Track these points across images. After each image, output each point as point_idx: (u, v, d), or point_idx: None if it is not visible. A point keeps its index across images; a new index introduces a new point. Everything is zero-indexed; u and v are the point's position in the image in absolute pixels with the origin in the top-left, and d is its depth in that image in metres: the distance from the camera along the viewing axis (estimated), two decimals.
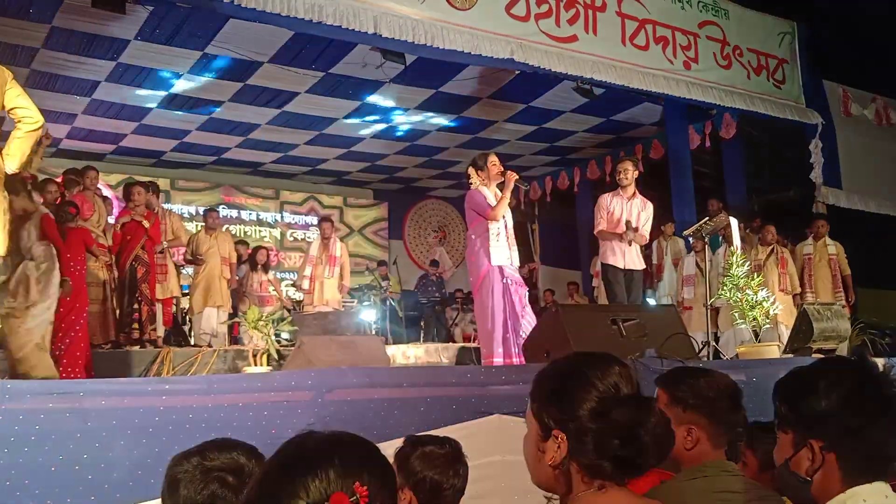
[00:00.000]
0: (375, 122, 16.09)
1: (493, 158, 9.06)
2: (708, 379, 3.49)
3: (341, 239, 16.27)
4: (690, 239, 12.45)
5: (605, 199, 10.15)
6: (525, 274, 14.83)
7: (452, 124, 16.20)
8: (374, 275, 17.68)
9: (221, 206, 19.69)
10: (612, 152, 17.57)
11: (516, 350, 8.31)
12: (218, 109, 15.09)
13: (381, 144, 17.66)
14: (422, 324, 17.75)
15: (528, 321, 8.55)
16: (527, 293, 8.85)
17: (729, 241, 12.10)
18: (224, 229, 15.15)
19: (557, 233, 19.62)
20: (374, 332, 14.36)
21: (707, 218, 10.44)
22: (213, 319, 13.48)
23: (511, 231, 8.92)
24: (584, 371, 2.49)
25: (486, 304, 8.53)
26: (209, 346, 12.12)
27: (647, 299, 13.27)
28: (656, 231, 13.08)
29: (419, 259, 22.74)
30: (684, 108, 14.25)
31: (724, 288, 9.53)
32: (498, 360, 8.30)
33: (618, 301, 9.58)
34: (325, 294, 14.08)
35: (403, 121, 16.11)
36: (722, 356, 9.43)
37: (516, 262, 8.87)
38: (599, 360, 2.54)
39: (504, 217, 8.84)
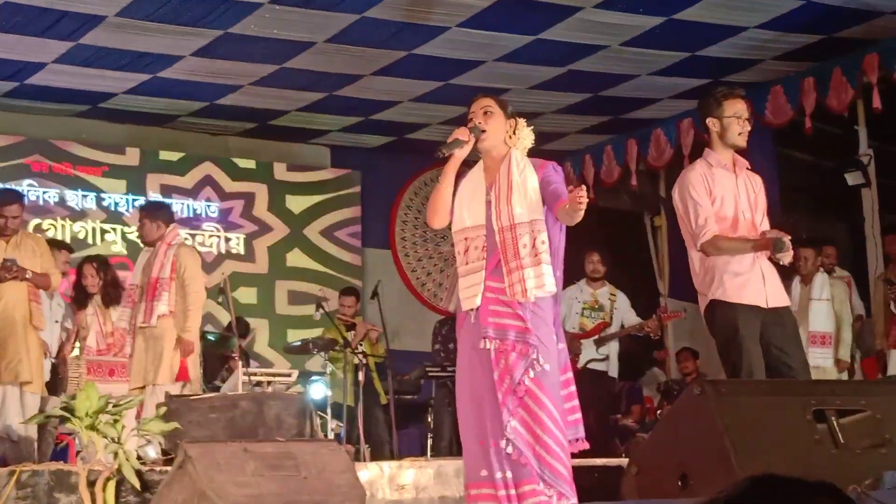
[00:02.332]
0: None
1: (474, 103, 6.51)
2: None
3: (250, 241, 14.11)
4: None
5: (700, 175, 7.44)
6: (650, 328, 11.41)
7: None
8: (332, 317, 12.44)
9: (26, 184, 13.59)
10: (823, 68, 12.62)
11: (504, 468, 6.00)
12: None
13: (352, 55, 12.20)
14: (429, 419, 12.67)
15: (533, 404, 6.02)
16: (532, 356, 6.00)
17: None
18: (30, 230, 12.33)
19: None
20: (333, 436, 11.20)
21: None
22: (7, 410, 10.23)
23: (500, 238, 6.23)
24: None
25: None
26: None
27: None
28: None
29: (428, 286, 16.38)
30: None
31: None
32: (478, 493, 6.09)
33: (752, 372, 7.15)
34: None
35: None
36: None
37: (517, 291, 6.09)
38: (801, 497, 2.08)
39: (464, 212, 6.39)
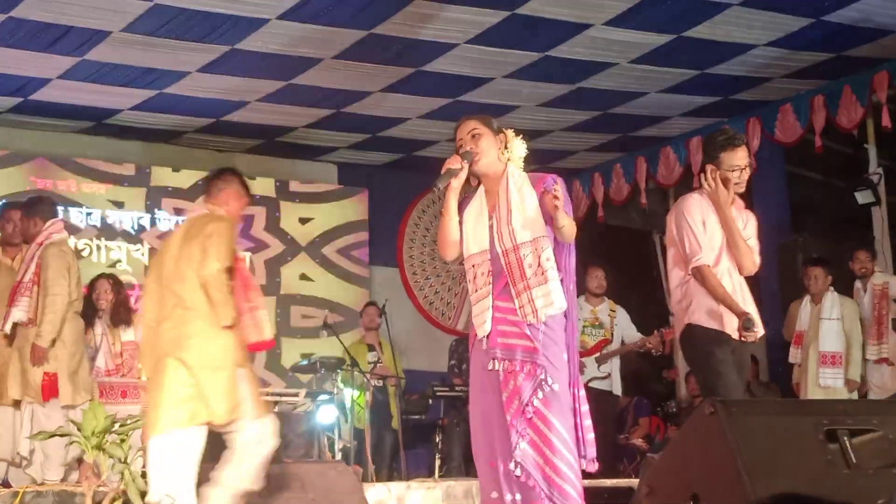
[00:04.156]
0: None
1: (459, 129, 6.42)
2: None
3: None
4: None
5: (698, 203, 7.56)
6: (651, 344, 11.38)
7: None
8: (339, 337, 12.38)
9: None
10: (833, 86, 12.52)
11: (513, 490, 6.00)
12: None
13: (360, 72, 12.06)
14: (438, 440, 12.61)
15: (542, 425, 5.99)
16: (540, 376, 6.05)
17: None
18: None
19: None
20: (339, 457, 11.10)
21: None
22: (9, 428, 9.57)
23: (504, 261, 6.20)
24: None
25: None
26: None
27: None
28: None
29: (436, 305, 16.08)
30: None
31: None
32: None
33: (730, 396, 7.18)
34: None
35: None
36: None
37: (527, 312, 6.05)
38: None
39: (469, 239, 6.36)
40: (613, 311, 11.05)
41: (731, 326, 7.36)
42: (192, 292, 6.48)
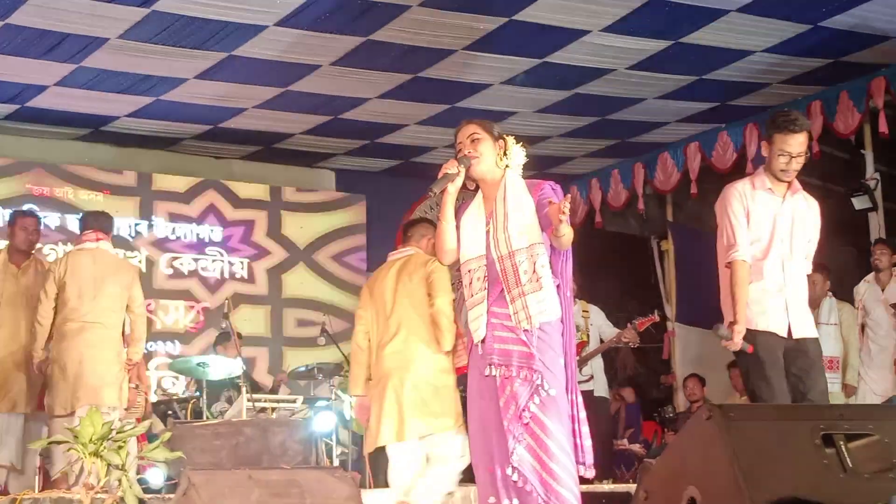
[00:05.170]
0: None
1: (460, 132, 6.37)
2: None
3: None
4: None
5: (740, 193, 7.36)
6: (627, 338, 11.16)
7: None
8: (337, 343, 12.24)
9: (26, 208, 12.35)
10: (830, 92, 12.59)
11: (510, 496, 5.97)
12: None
13: (357, 78, 12.03)
14: None
15: (538, 430, 5.94)
16: (536, 381, 5.98)
17: None
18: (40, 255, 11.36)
19: (710, 260, 13.14)
20: (337, 463, 11.19)
21: None
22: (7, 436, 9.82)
23: (500, 267, 6.13)
24: None
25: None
26: None
27: None
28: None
29: None
30: None
31: None
32: None
33: (774, 397, 7.10)
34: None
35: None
36: None
37: (521, 319, 6.01)
38: None
39: (466, 244, 6.36)
40: (586, 311, 10.95)
41: (777, 325, 7.22)
42: (417, 320, 7.48)
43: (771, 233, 7.29)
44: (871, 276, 11.40)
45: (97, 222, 9.53)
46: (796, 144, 7.14)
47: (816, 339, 7.47)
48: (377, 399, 7.78)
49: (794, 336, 7.25)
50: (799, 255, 7.39)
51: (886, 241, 11.08)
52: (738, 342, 7.11)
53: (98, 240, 9.29)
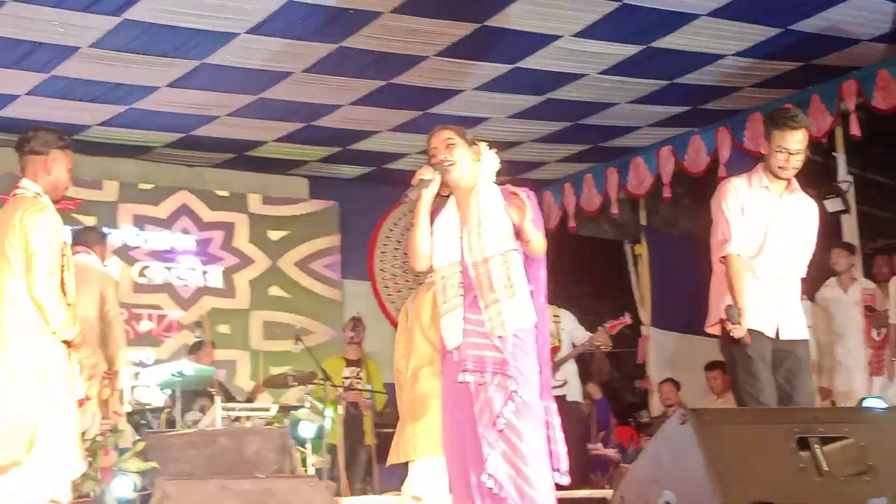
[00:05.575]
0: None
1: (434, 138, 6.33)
2: None
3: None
4: None
5: (735, 189, 7.31)
6: (598, 342, 11.22)
7: None
8: (312, 352, 12.21)
9: None
10: (802, 95, 12.57)
11: (485, 503, 5.90)
12: None
13: (330, 85, 12.02)
14: None
15: (513, 437, 5.89)
16: (511, 388, 5.91)
17: None
18: None
19: (684, 264, 13.49)
20: (312, 472, 10.52)
21: None
22: None
23: (474, 273, 6.10)
24: None
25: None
26: None
27: (870, 399, 10.43)
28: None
29: None
30: None
31: None
32: None
33: (761, 395, 7.07)
34: None
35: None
36: None
37: (495, 325, 5.95)
38: None
39: (439, 250, 6.25)
40: (557, 316, 10.84)
41: (766, 325, 7.14)
42: None
43: (765, 231, 7.22)
44: (832, 280, 11.36)
45: (78, 237, 9.58)
46: (795, 141, 7.08)
47: (806, 342, 7.42)
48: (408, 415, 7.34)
49: (783, 337, 7.20)
50: (793, 254, 7.32)
51: (843, 244, 11.14)
52: (744, 326, 6.99)
53: (75, 253, 9.23)
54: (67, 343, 6.91)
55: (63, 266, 6.57)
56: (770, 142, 7.09)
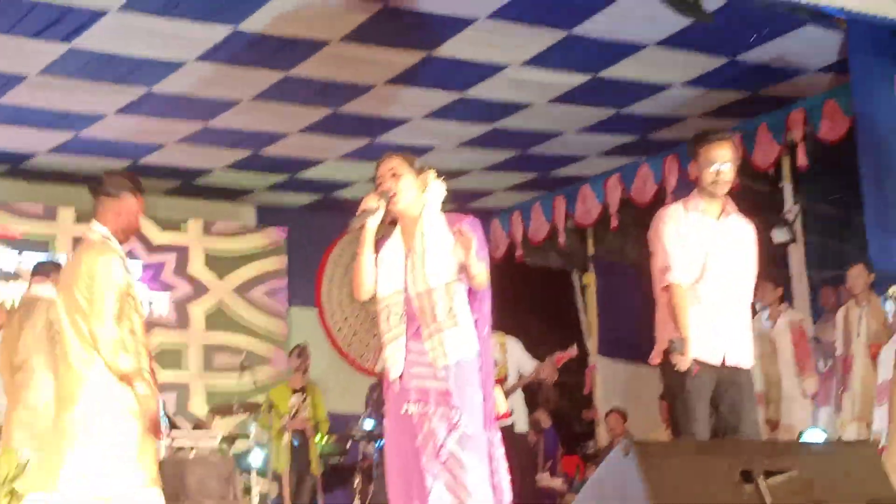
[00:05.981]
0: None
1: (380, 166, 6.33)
2: None
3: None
4: None
5: (671, 216, 7.11)
6: (544, 374, 11.10)
7: None
8: (256, 379, 12.27)
9: None
10: (749, 125, 12.53)
11: None
12: None
13: (277, 113, 11.93)
14: (357, 482, 12.12)
15: (456, 468, 5.93)
16: (454, 419, 5.96)
17: None
18: None
19: (632, 293, 13.21)
20: (257, 501, 11.07)
21: None
22: None
23: (417, 304, 6.10)
24: None
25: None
26: None
27: (811, 430, 10.90)
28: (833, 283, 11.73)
29: (354, 346, 15.19)
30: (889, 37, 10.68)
31: None
32: None
33: (694, 431, 6.87)
34: None
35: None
36: None
37: (438, 355, 6.00)
38: None
39: (383, 280, 6.26)
40: (503, 343, 10.68)
41: (710, 353, 6.99)
42: None
43: (704, 255, 7.12)
44: (763, 313, 11.33)
45: (35, 269, 9.59)
46: (721, 154, 6.98)
47: (749, 371, 7.31)
48: None
49: (728, 363, 7.08)
50: (734, 278, 7.20)
51: (768, 276, 10.96)
52: (689, 358, 6.88)
53: (33, 283, 9.27)
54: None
55: (125, 310, 6.67)
56: (698, 160, 6.98)
